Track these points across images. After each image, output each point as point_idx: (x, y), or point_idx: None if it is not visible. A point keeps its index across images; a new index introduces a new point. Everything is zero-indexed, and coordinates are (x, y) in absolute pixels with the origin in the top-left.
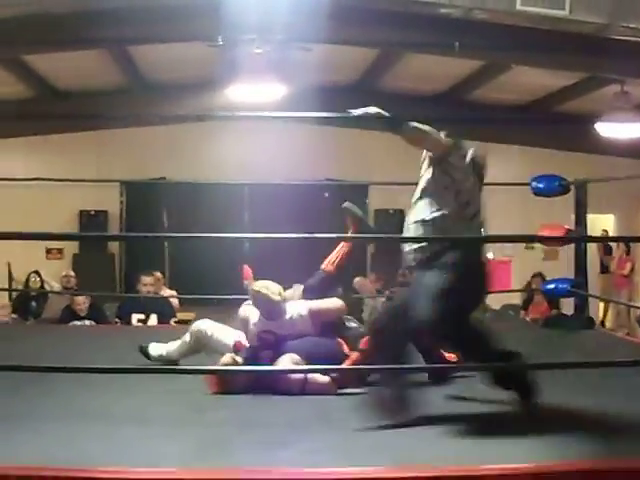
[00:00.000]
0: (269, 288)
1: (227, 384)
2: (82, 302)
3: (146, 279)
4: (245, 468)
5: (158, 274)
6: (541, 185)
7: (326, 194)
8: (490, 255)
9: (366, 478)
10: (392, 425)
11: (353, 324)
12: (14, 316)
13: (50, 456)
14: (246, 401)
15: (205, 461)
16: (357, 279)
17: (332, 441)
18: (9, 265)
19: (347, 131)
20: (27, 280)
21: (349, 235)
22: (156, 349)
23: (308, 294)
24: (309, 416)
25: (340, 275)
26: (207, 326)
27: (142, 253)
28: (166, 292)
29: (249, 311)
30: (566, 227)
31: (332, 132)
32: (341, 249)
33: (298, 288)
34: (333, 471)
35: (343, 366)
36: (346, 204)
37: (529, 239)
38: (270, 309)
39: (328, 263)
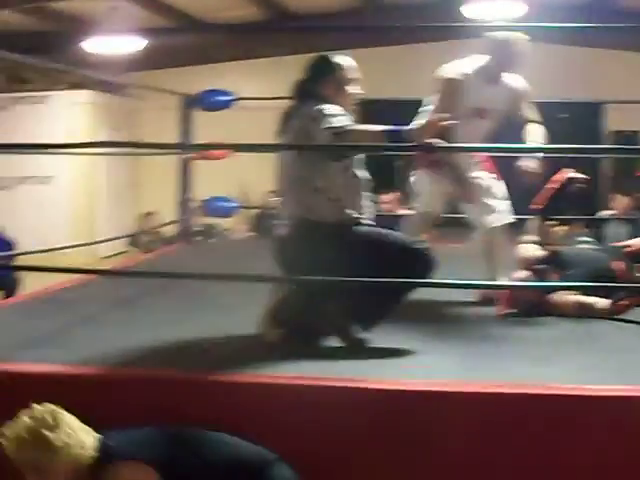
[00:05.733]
0: None
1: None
2: None
3: (385, 197)
4: (515, 382)
5: (397, 193)
6: None
7: (561, 115)
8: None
9: (635, 396)
10: None
11: None
12: (252, 234)
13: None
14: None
15: (474, 374)
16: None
17: (599, 360)
18: (244, 185)
19: (581, 50)
20: (263, 200)
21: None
22: None
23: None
24: (579, 335)
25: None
26: None
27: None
28: (402, 212)
29: None
30: None
31: (567, 51)
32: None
33: None
34: (600, 388)
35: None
36: None
37: None
38: None
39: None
